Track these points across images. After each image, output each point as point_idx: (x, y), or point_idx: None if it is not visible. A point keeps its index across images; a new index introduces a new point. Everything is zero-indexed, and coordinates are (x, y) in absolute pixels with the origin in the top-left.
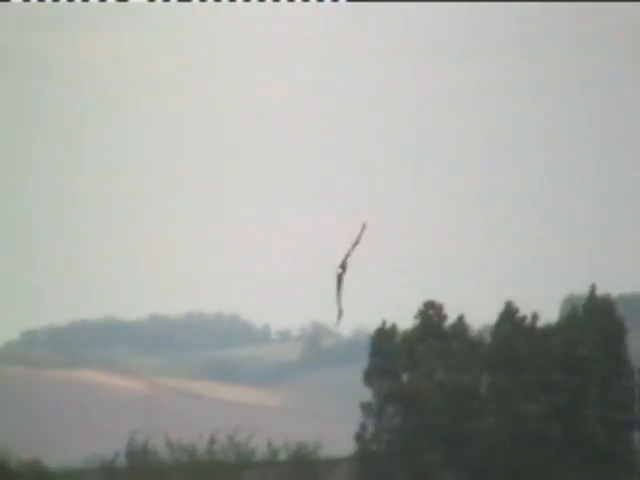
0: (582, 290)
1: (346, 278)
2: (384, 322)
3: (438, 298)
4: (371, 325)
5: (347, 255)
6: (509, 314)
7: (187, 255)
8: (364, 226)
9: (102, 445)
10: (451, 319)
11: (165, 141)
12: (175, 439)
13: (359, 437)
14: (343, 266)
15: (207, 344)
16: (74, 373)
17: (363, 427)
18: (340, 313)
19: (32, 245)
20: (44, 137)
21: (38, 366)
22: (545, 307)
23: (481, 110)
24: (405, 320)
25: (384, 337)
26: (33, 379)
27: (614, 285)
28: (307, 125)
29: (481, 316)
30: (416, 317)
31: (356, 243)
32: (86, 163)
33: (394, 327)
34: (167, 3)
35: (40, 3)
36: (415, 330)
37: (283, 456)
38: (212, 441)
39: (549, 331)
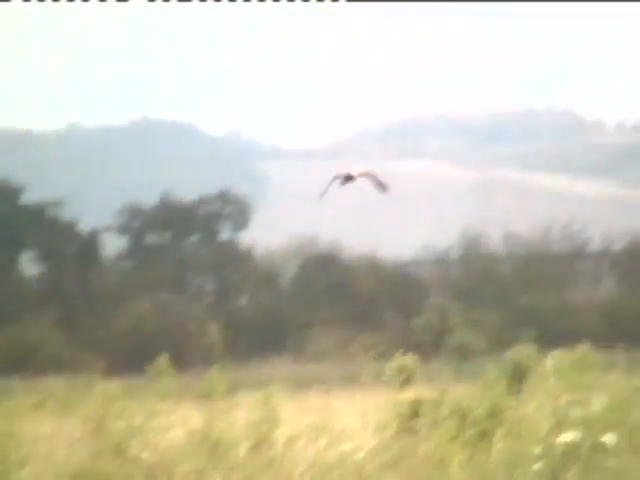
0: None
1: None
2: None
3: None
4: None
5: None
6: None
7: (522, 53)
8: None
9: (435, 237)
10: None
11: None
12: (509, 231)
13: None
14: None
15: (540, 137)
16: (406, 165)
17: None
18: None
19: (372, 43)
20: None
21: (370, 160)
22: None
23: None
24: None
25: None
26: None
27: None
28: None
29: None
30: None
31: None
32: None
33: None
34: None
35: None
36: None
37: (618, 246)
38: (546, 232)
39: None
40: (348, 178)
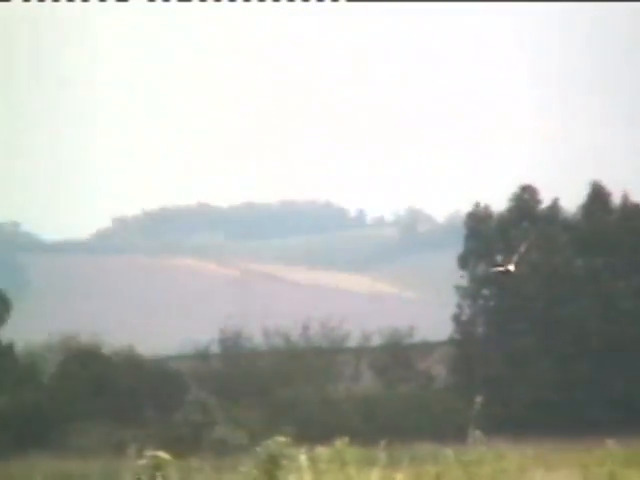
0: None
1: (443, 165)
2: (477, 204)
3: (532, 181)
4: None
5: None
6: (596, 195)
7: (280, 143)
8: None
9: (196, 332)
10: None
11: None
12: (269, 325)
13: (456, 318)
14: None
15: (301, 230)
16: (167, 260)
17: (460, 308)
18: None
19: (128, 131)
20: None
21: (131, 253)
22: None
23: None
24: (499, 204)
25: (478, 220)
26: (126, 267)
27: None
28: None
29: (576, 199)
30: (511, 200)
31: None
32: None
33: (487, 209)
34: None
35: None
36: (510, 213)
37: (377, 341)
38: (306, 327)
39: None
40: (505, 272)
